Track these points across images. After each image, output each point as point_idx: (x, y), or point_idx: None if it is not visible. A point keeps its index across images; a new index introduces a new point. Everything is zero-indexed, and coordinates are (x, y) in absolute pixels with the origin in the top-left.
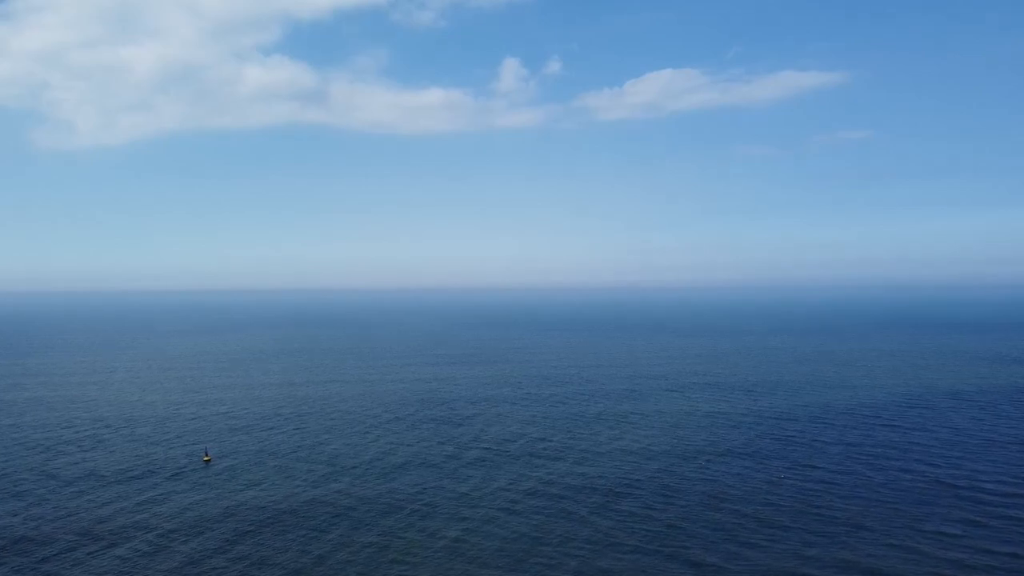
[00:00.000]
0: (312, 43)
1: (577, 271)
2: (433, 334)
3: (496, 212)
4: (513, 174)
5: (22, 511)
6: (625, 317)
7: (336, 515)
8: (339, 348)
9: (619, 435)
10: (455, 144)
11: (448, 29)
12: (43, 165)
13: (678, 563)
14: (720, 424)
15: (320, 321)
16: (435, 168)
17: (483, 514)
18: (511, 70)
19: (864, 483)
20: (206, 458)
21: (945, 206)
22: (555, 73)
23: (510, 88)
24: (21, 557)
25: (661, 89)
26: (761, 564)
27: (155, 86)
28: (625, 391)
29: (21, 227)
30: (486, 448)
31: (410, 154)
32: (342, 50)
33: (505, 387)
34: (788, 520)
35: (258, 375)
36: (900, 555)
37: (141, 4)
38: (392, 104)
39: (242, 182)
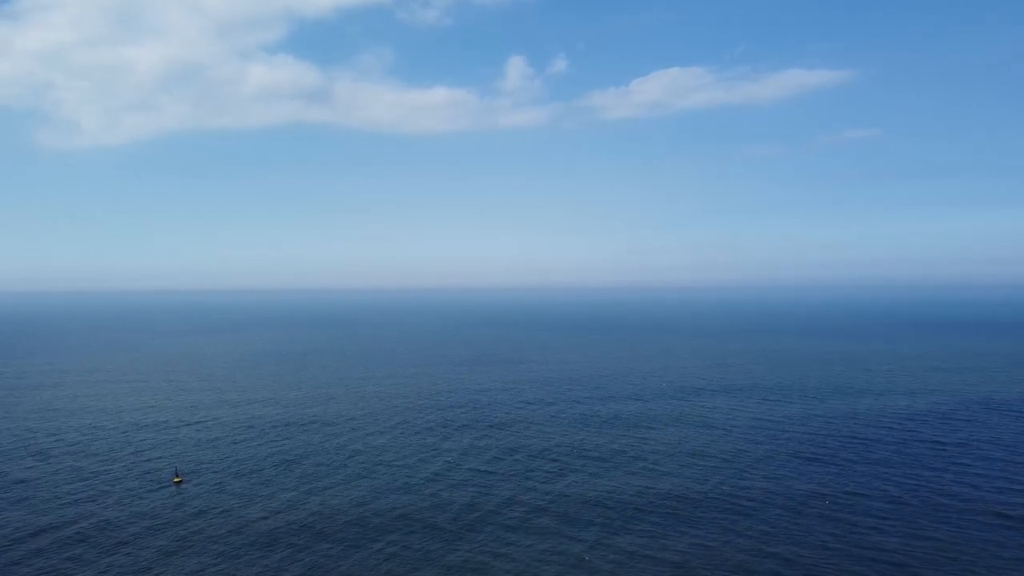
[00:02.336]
0: (316, 42)
1: (579, 271)
2: (434, 335)
3: (499, 212)
4: (517, 174)
5: None
6: (629, 317)
7: None
8: (337, 350)
9: (635, 454)
10: (460, 144)
11: (453, 27)
12: (46, 165)
13: None
14: (744, 442)
15: (320, 322)
16: (439, 168)
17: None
18: (516, 69)
19: (914, 515)
20: (176, 479)
21: (950, 206)
22: (561, 72)
23: (515, 87)
24: None
25: (667, 87)
26: None
27: (158, 86)
28: (637, 407)
29: (24, 227)
30: (488, 484)
31: (415, 154)
32: (346, 49)
33: (508, 398)
34: (835, 568)
35: (250, 381)
36: None
37: (144, 3)
38: (397, 103)
39: (245, 182)
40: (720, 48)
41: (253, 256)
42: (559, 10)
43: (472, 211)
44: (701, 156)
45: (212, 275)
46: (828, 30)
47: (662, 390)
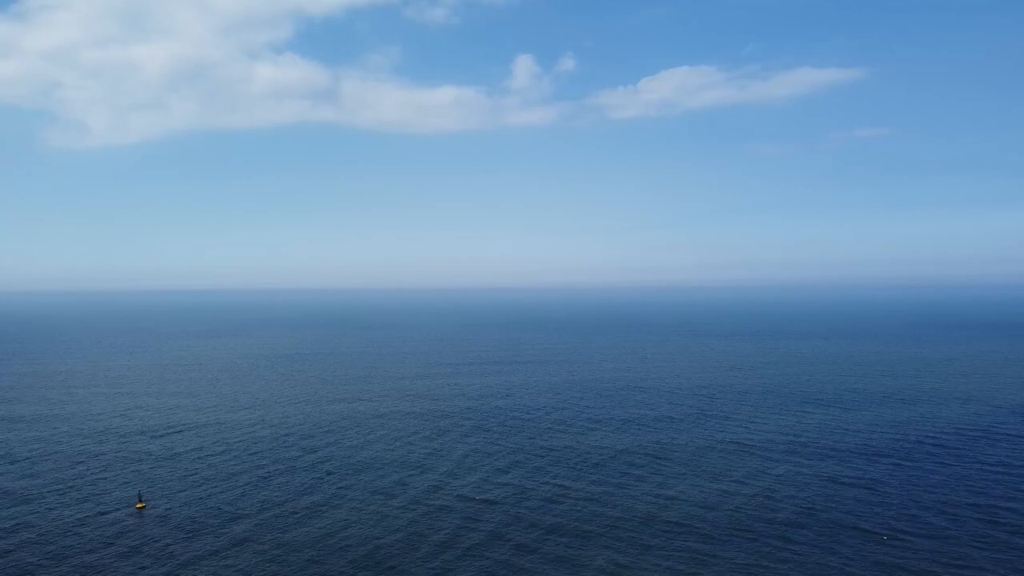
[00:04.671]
0: (324, 41)
1: (587, 271)
2: (440, 336)
3: (507, 211)
4: (525, 173)
5: None
6: (639, 318)
7: None
8: (338, 352)
9: (649, 478)
10: (467, 143)
11: (461, 26)
12: (54, 165)
13: None
14: (770, 462)
15: (324, 323)
16: (447, 167)
17: None
18: (524, 67)
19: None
20: (140, 504)
21: (961, 205)
22: (569, 70)
23: (523, 85)
24: None
25: (676, 86)
26: None
27: (166, 85)
28: (647, 418)
29: (31, 227)
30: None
31: (422, 153)
32: (354, 48)
33: (510, 409)
34: None
35: (244, 389)
36: None
37: (152, 2)
38: (404, 102)
39: (252, 181)
40: (730, 47)
41: (259, 255)
42: (568, 8)
43: (479, 210)
44: (710, 155)
45: (218, 274)
46: (838, 28)
47: (677, 403)
